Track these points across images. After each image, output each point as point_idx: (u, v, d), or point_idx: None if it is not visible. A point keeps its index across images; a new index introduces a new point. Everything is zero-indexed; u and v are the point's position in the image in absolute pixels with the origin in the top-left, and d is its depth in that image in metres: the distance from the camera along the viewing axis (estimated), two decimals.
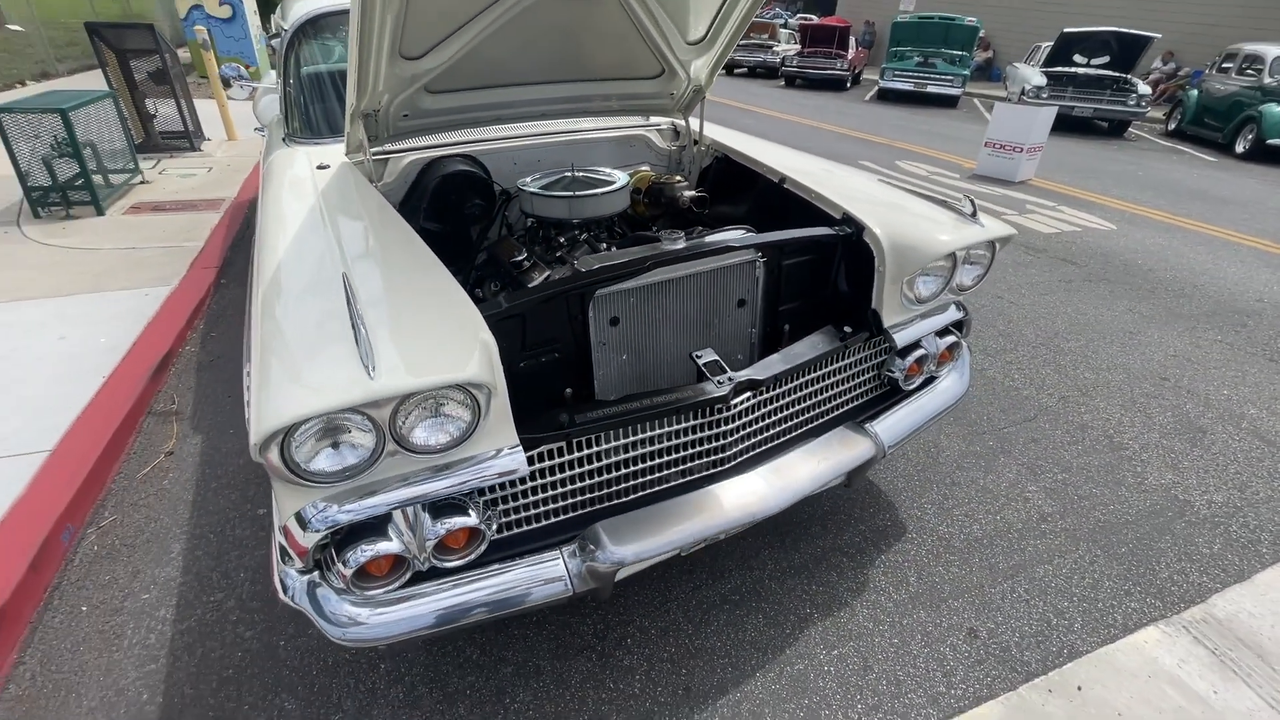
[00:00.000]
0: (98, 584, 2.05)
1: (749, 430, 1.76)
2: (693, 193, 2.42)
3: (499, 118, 2.39)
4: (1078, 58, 12.21)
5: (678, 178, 2.48)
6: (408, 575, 1.41)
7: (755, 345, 1.99)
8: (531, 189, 2.16)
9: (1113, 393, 3.22)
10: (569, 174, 2.28)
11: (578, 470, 1.56)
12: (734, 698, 1.77)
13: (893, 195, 2.17)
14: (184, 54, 11.41)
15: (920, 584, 2.13)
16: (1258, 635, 1.98)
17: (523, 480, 1.50)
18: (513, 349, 1.60)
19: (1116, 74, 11.40)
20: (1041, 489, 2.55)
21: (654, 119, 2.85)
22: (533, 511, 1.56)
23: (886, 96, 14.73)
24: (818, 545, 2.26)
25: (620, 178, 2.27)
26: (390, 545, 1.33)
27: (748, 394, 1.69)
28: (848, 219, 1.96)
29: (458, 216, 2.34)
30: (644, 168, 2.79)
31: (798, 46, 17.55)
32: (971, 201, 1.99)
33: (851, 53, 16.78)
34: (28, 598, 1.93)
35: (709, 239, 1.79)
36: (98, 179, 5.01)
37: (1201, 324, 4.00)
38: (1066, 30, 12.11)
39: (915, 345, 2.01)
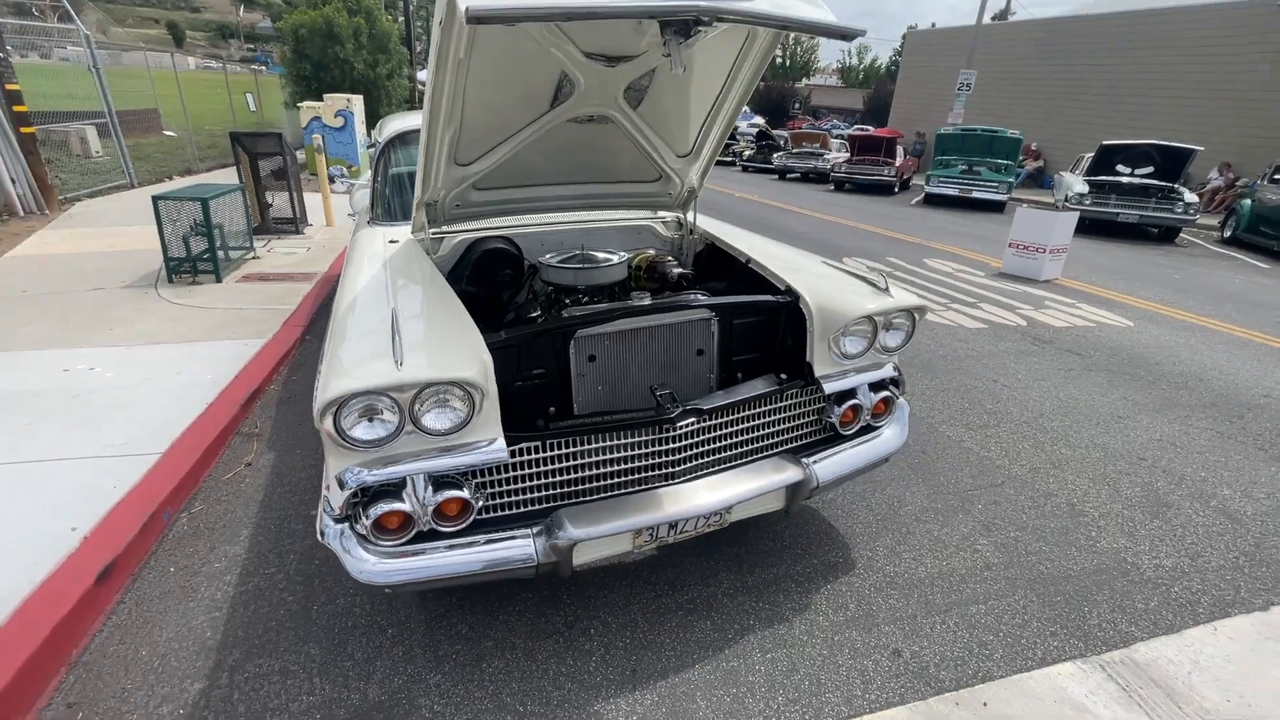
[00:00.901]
0: (184, 553, 2.58)
1: (694, 449, 2.17)
2: (680, 270, 2.96)
3: (531, 209, 3.04)
4: (1121, 167, 12.57)
5: (669, 258, 3.04)
6: (412, 533, 1.87)
7: (713, 387, 2.43)
8: (550, 262, 2.75)
9: (1085, 468, 3.41)
10: (579, 252, 2.87)
11: (551, 467, 2.01)
12: (673, 682, 2.07)
13: (827, 272, 2.63)
14: (300, 154, 13.37)
15: (858, 610, 2.39)
16: (1172, 679, 2.12)
17: (506, 469, 1.96)
18: (510, 371, 2.11)
19: (1162, 183, 11.65)
20: (992, 543, 2.78)
21: (660, 213, 3.46)
22: (514, 498, 2.01)
23: (932, 201, 15.37)
24: (771, 571, 2.56)
25: (620, 257, 2.85)
26: (401, 505, 1.81)
27: (692, 419, 2.12)
28: (789, 289, 2.43)
29: (492, 283, 2.96)
30: (649, 250, 3.37)
31: (847, 154, 18.67)
32: (884, 278, 2.43)
33: (899, 160, 17.72)
34: (133, 556, 2.48)
35: (669, 300, 2.29)
36: (221, 254, 6.08)
37: (1197, 414, 4.12)
38: (1105, 143, 12.59)
39: (849, 395, 2.40)
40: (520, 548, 1.93)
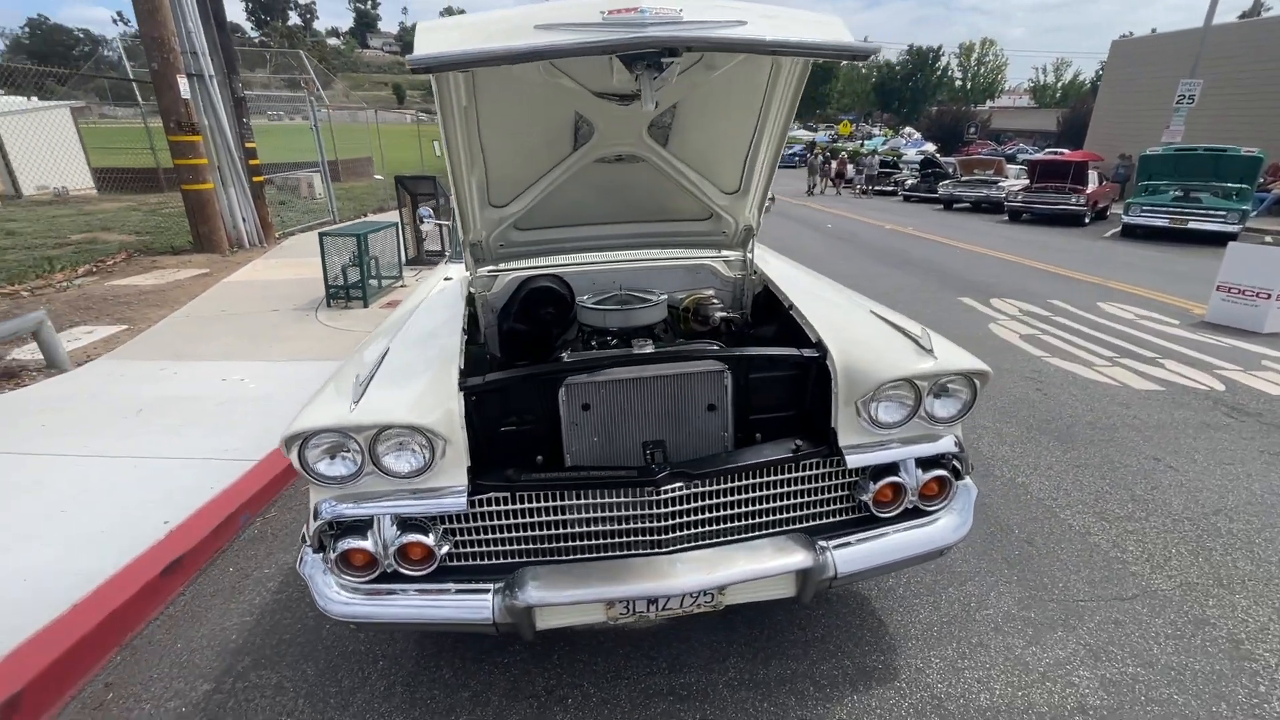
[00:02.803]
0: (245, 556, 2.86)
1: (685, 517, 1.95)
2: (724, 314, 2.75)
3: (584, 248, 3.02)
4: None
5: (715, 300, 2.84)
6: (376, 574, 1.87)
7: (729, 447, 2.18)
8: (585, 303, 2.69)
9: (1271, 593, 2.55)
10: (618, 292, 2.78)
11: (520, 521, 1.91)
12: None
13: (870, 324, 2.24)
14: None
15: None
16: None
17: (475, 519, 1.90)
18: (495, 415, 2.06)
19: None
20: (1097, 677, 2.16)
21: (724, 252, 3.26)
22: (483, 549, 1.94)
23: (1133, 234, 13.11)
24: (790, 667, 2.21)
25: (660, 297, 2.71)
26: (364, 543, 1.82)
27: (679, 484, 1.90)
28: (819, 343, 2.12)
29: (537, 320, 2.97)
30: (708, 291, 3.19)
31: (1025, 181, 16.67)
32: (928, 334, 2.02)
33: (1091, 186, 15.44)
34: (203, 554, 2.79)
35: (672, 349, 2.11)
36: (373, 282, 6.89)
37: None
38: None
39: (889, 470, 2.02)
40: (477, 605, 1.85)
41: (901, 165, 24.60)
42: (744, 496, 1.99)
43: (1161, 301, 7.39)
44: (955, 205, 18.57)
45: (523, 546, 1.94)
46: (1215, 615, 2.44)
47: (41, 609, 2.29)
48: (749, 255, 3.05)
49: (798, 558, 1.92)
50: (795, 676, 2.18)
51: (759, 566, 1.89)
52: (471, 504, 1.84)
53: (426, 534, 1.84)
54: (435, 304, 2.61)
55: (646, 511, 1.92)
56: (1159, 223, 12.71)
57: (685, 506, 1.94)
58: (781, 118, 2.28)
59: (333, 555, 1.82)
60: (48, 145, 15.02)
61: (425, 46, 1.54)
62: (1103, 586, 2.59)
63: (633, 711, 2.06)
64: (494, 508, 1.90)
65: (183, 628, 2.43)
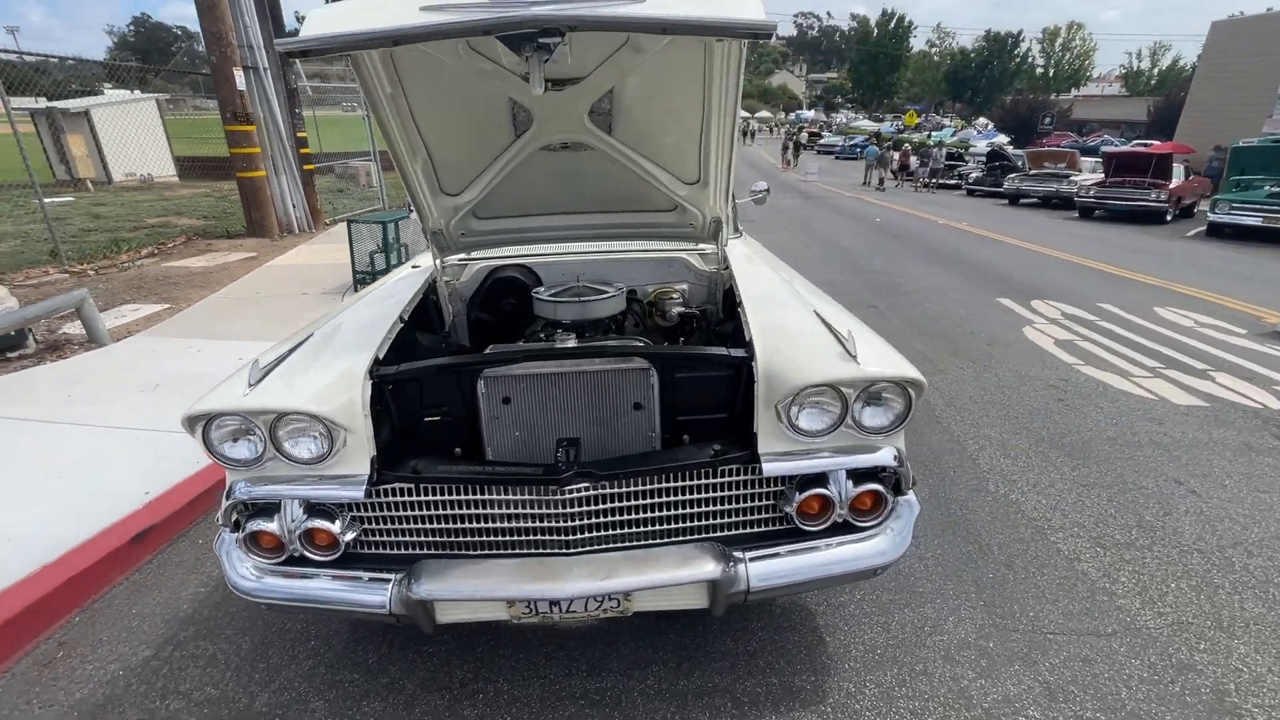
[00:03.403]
0: (216, 529, 2.97)
1: (594, 518, 1.88)
2: (682, 309, 2.65)
3: (550, 238, 2.97)
4: None
5: (675, 294, 2.74)
6: (284, 556, 1.89)
7: (656, 449, 2.09)
8: (540, 295, 2.64)
9: (1277, 640, 2.26)
10: (575, 284, 2.72)
11: (425, 513, 1.89)
12: None
13: (811, 326, 2.09)
14: None
15: None
16: None
17: (380, 508, 1.89)
18: (415, 406, 2.04)
19: None
20: None
21: (701, 245, 3.14)
22: (390, 539, 1.93)
23: (1220, 233, 12.00)
24: (713, 680, 2.12)
25: (615, 291, 2.64)
26: (271, 525, 1.84)
27: (585, 484, 1.84)
28: (749, 344, 2.00)
29: (499, 310, 2.96)
30: (681, 285, 3.09)
31: (1099, 176, 15.52)
32: (853, 338, 1.86)
33: (1176, 181, 14.23)
34: (177, 525, 2.92)
35: (595, 345, 2.03)
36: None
37: None
38: None
39: (817, 481, 1.89)
40: (376, 593, 1.84)
41: (967, 158, 23.39)
42: (656, 500, 1.90)
43: (1229, 308, 6.71)
44: (1022, 200, 17.49)
45: (429, 539, 1.92)
46: (1204, 661, 2.18)
47: (18, 567, 2.45)
48: (721, 249, 2.93)
49: (706, 568, 1.82)
50: (716, 690, 2.08)
51: (660, 576, 1.81)
52: (375, 493, 1.84)
53: (332, 520, 1.85)
54: (385, 291, 2.63)
55: (553, 511, 1.86)
56: (1250, 221, 11.58)
57: (593, 508, 1.88)
58: (729, 103, 2.15)
59: (240, 534, 1.85)
60: (136, 135, 16.16)
61: (308, 30, 1.52)
62: (1080, 619, 2.36)
63: (541, 712, 2.02)
64: (398, 498, 1.89)
65: (142, 595, 2.55)
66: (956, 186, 21.42)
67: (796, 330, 2.06)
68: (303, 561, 1.90)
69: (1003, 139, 30.36)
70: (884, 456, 1.91)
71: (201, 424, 1.76)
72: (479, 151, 2.40)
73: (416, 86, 2.04)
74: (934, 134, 37.69)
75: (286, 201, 10.40)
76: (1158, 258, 9.82)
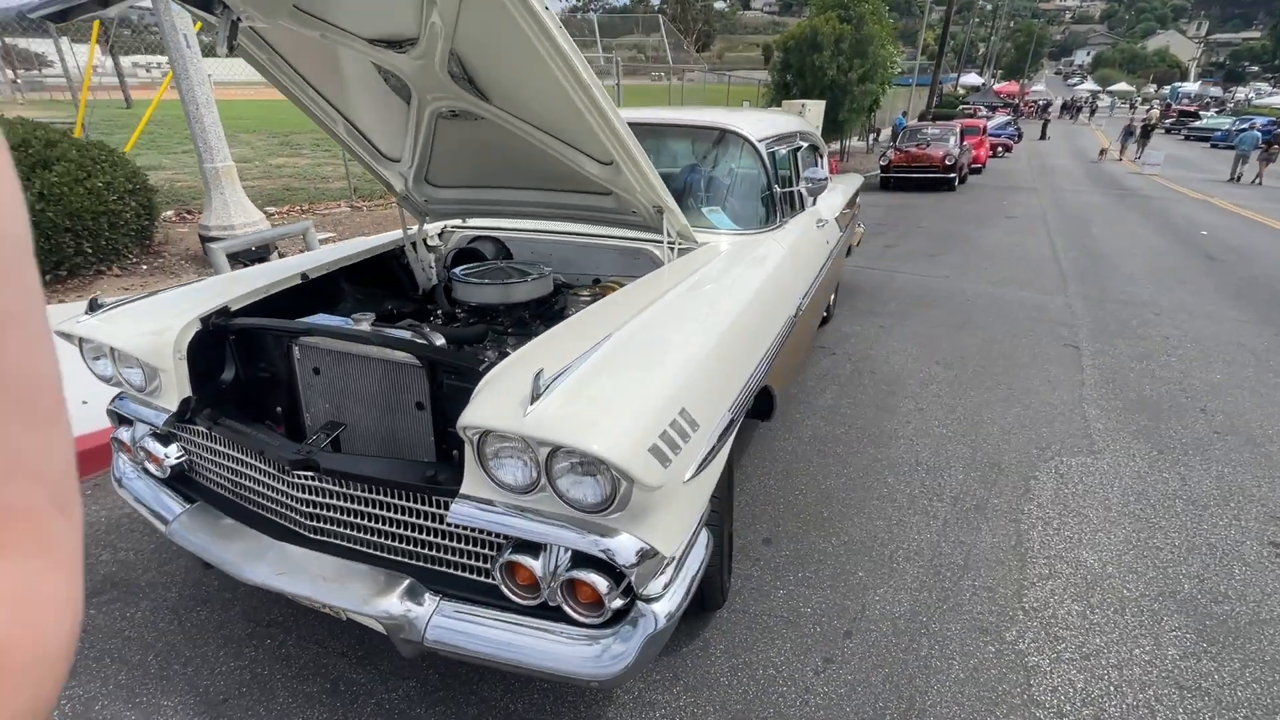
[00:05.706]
0: None
1: (322, 510, 1.80)
2: None
3: (516, 213, 2.83)
4: None
5: (612, 289, 2.43)
6: (140, 464, 2.21)
7: (432, 457, 1.90)
8: (458, 274, 2.54)
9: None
10: (494, 264, 2.57)
11: (215, 458, 2.02)
12: None
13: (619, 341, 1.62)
14: None
15: None
16: None
17: (190, 443, 2.07)
18: (248, 359, 2.15)
19: None
20: None
21: (673, 235, 2.68)
22: (206, 474, 2.10)
23: None
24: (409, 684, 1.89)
25: (537, 275, 2.43)
26: (124, 436, 2.16)
27: (310, 472, 1.76)
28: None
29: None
30: (622, 280, 2.72)
31: None
32: (548, 377, 1.36)
33: None
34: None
35: (377, 332, 1.88)
36: None
37: None
38: None
39: (528, 549, 1.53)
40: (164, 512, 2.03)
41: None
42: (371, 510, 1.74)
43: None
44: None
45: (218, 484, 2.06)
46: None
47: None
48: (666, 241, 2.47)
49: (380, 603, 1.62)
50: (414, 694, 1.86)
51: (342, 599, 1.66)
52: (177, 428, 2.02)
53: (167, 444, 2.09)
54: (333, 251, 2.78)
55: (291, 493, 1.84)
56: None
57: (321, 500, 1.80)
58: (569, 70, 1.74)
59: (113, 438, 2.21)
60: None
61: None
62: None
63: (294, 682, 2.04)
64: (199, 440, 2.05)
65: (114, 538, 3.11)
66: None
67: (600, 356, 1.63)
68: (146, 475, 2.20)
69: None
70: (619, 546, 1.45)
71: (76, 342, 2.10)
72: (389, 119, 2.37)
73: (292, 52, 2.07)
74: None
75: None
76: None
